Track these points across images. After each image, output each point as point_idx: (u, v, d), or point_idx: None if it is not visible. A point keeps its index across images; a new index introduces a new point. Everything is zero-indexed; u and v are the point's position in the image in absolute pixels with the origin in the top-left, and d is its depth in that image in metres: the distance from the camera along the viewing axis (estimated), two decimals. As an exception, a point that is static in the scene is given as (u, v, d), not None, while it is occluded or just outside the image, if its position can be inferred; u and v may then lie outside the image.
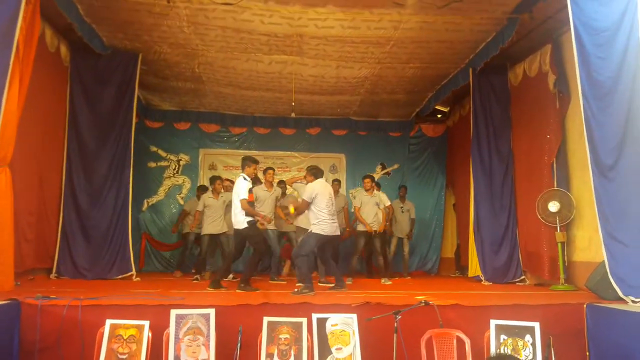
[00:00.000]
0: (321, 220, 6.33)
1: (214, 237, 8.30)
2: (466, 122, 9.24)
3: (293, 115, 9.88)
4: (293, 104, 9.46)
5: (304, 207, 6.58)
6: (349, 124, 11.47)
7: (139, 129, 8.93)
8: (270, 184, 8.14)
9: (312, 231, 6.39)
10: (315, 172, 6.66)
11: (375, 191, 8.44)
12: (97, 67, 8.01)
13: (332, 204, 6.53)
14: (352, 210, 8.87)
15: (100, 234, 7.71)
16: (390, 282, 7.92)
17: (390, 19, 6.83)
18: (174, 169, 10.92)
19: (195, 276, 8.16)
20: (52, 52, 7.27)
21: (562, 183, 7.26)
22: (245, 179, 6.60)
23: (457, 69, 8.75)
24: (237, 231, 6.66)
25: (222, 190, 8.42)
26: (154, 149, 10.82)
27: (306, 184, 6.81)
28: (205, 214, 8.34)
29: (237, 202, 6.50)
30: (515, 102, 8.47)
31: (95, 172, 7.87)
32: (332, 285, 6.65)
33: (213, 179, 8.73)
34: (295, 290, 6.14)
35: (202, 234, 8.49)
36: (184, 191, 10.91)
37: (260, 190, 7.92)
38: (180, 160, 10.97)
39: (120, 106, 8.05)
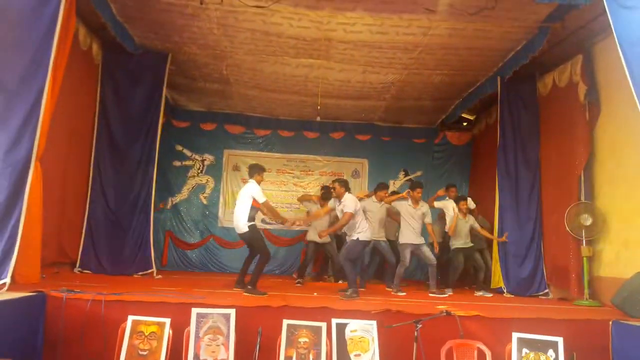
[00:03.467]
0: (365, 228, 6.78)
1: (318, 245, 8.67)
2: (492, 131, 9.12)
3: (318, 119, 9.89)
4: (319, 107, 9.47)
5: (348, 219, 6.74)
6: (373, 129, 11.43)
7: (166, 128, 9.07)
8: (380, 199, 8.15)
9: (358, 239, 6.73)
10: (345, 184, 6.99)
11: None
12: (127, 66, 8.14)
13: (361, 212, 6.96)
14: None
15: (123, 230, 7.83)
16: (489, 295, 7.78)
17: (420, 24, 6.80)
18: (199, 169, 11.01)
19: (298, 280, 8.40)
20: (84, 50, 7.42)
21: (589, 196, 7.13)
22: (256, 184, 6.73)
23: (485, 77, 8.65)
24: (241, 235, 6.71)
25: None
26: (179, 148, 10.93)
27: (335, 195, 7.12)
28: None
29: (240, 205, 6.57)
30: (544, 112, 8.33)
31: (123, 169, 8.01)
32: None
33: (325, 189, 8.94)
34: (345, 294, 6.33)
35: (307, 239, 8.87)
36: (208, 191, 10.99)
37: (371, 203, 8.08)
38: (205, 160, 11.06)
39: (149, 105, 8.17)
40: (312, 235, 8.66)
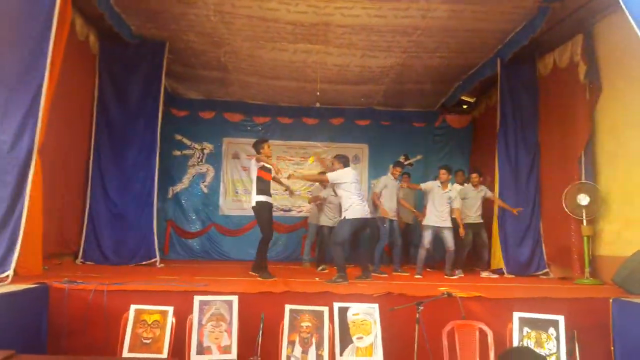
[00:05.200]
0: (352, 205, 6.45)
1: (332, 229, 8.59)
2: (492, 113, 9.09)
3: (318, 105, 9.87)
4: (318, 93, 9.44)
5: (318, 179, 7.19)
6: (372, 114, 11.41)
7: (165, 117, 8.99)
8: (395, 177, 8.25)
9: (346, 217, 6.49)
10: (344, 160, 6.82)
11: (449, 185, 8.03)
12: (125, 56, 8.09)
13: (361, 189, 6.79)
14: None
15: (126, 220, 7.84)
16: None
17: (418, 7, 6.74)
18: (198, 158, 11.01)
19: (322, 266, 8.39)
20: (81, 40, 7.37)
21: (590, 176, 7.12)
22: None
23: (485, 59, 8.60)
24: (252, 208, 6.71)
25: None
26: (178, 137, 10.92)
27: (329, 169, 7.10)
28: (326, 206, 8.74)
29: (253, 180, 6.66)
30: (544, 93, 8.30)
31: (124, 159, 8.00)
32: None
33: None
34: (332, 279, 6.21)
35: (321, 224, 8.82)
36: (208, 179, 11.00)
37: (389, 180, 8.16)
38: (204, 149, 11.05)
39: (147, 94, 8.14)
40: (325, 220, 8.68)
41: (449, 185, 7.85)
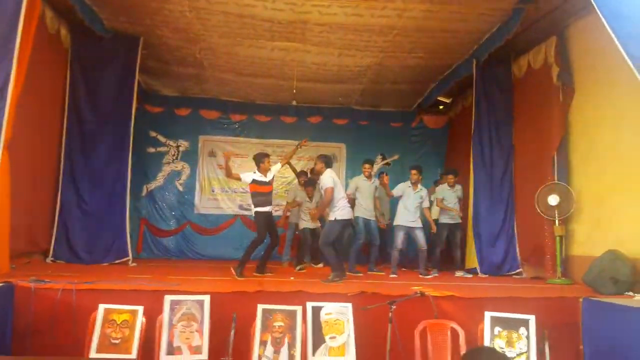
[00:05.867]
0: (342, 206, 6.61)
1: (312, 230, 8.80)
2: (468, 113, 9.15)
3: (294, 103, 9.82)
4: (294, 91, 9.39)
5: (327, 202, 6.72)
6: (350, 113, 11.42)
7: (139, 114, 8.87)
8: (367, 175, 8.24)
9: (336, 218, 6.61)
10: (327, 161, 6.99)
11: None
12: (97, 50, 7.91)
13: (342, 189, 6.95)
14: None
15: (97, 218, 7.68)
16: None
17: (395, 6, 6.73)
18: (173, 155, 10.87)
19: (300, 265, 8.34)
20: (51, 33, 7.20)
21: (563, 177, 7.21)
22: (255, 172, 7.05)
23: (461, 60, 8.66)
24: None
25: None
26: (153, 134, 10.77)
27: (315, 171, 7.24)
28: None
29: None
30: (519, 94, 8.39)
31: (95, 155, 7.82)
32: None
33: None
34: (327, 278, 6.24)
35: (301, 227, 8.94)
36: (183, 177, 10.87)
37: (360, 181, 8.14)
38: (180, 146, 10.92)
39: (120, 90, 7.98)
40: (304, 223, 8.73)
41: (419, 185, 7.90)
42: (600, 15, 4.36)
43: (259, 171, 7.01)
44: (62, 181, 7.67)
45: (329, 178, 6.72)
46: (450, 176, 8.50)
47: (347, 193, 7.81)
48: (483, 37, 7.73)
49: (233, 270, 6.47)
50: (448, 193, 8.40)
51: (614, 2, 4.50)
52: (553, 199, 6.97)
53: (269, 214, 7.05)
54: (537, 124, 7.79)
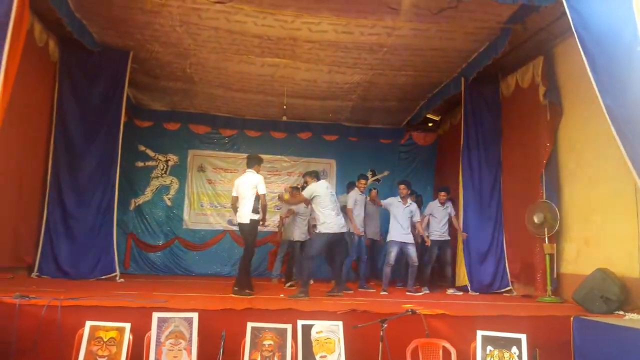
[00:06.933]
0: (327, 219, 6.53)
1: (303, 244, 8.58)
2: (457, 131, 9.23)
3: (284, 118, 9.83)
4: (285, 107, 9.40)
5: (299, 199, 7.11)
6: (340, 130, 11.45)
7: (128, 128, 8.82)
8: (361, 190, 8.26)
9: (320, 231, 6.56)
10: (316, 175, 7.07)
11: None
12: (86, 64, 7.88)
13: (336, 201, 6.83)
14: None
15: (84, 233, 7.57)
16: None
17: (384, 25, 6.80)
18: (162, 169, 10.78)
19: (290, 282, 8.24)
20: (40, 46, 7.16)
21: (552, 195, 7.26)
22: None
23: (449, 78, 8.75)
24: (240, 226, 6.60)
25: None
26: (142, 148, 10.68)
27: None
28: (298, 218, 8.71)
29: (246, 195, 6.46)
30: (507, 113, 8.48)
31: (82, 170, 7.74)
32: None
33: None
34: (291, 294, 6.16)
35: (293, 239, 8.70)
36: (172, 192, 10.78)
37: (357, 196, 8.11)
38: (169, 160, 10.84)
39: (109, 104, 7.93)
40: (297, 235, 8.59)
41: (408, 200, 7.91)
42: (578, 43, 4.60)
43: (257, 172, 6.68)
44: (49, 195, 7.56)
45: (311, 186, 6.74)
46: (443, 193, 8.47)
47: (347, 208, 7.82)
48: (471, 56, 7.83)
49: (236, 294, 6.16)
50: (438, 210, 8.40)
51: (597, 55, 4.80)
52: (536, 218, 7.02)
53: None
54: (525, 143, 7.86)
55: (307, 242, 7.51)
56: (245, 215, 6.45)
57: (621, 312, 5.34)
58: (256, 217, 6.47)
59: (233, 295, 6.09)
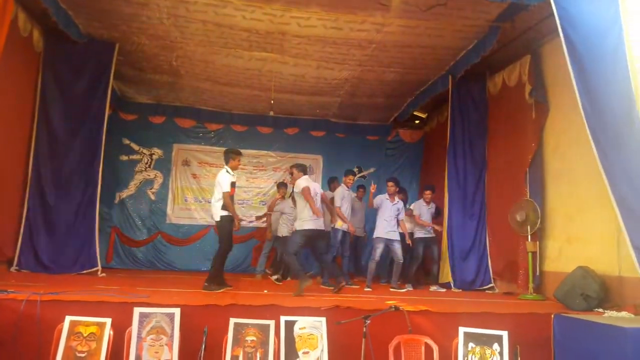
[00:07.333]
0: (304, 217, 6.56)
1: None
2: (443, 129, 9.26)
3: (272, 113, 9.76)
4: (272, 102, 9.35)
5: (308, 192, 6.64)
6: (327, 126, 11.43)
7: (112, 121, 8.71)
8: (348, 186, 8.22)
9: (297, 228, 6.60)
10: (302, 168, 7.00)
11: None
12: (71, 55, 7.75)
13: (319, 201, 6.84)
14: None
15: (65, 226, 7.47)
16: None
17: (373, 21, 6.79)
18: (146, 163, 10.67)
19: (276, 276, 8.26)
20: (24, 36, 7.02)
21: (536, 193, 7.31)
22: (228, 172, 6.52)
23: (437, 76, 8.76)
24: (216, 223, 6.57)
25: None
26: (126, 141, 10.56)
27: (292, 180, 7.22)
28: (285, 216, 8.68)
29: (217, 194, 6.42)
30: (493, 111, 8.52)
31: (64, 163, 7.62)
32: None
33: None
34: (296, 291, 6.11)
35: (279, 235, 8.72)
36: (156, 186, 10.67)
37: (345, 192, 8.06)
38: (153, 154, 10.72)
39: (93, 96, 7.82)
40: (282, 230, 8.59)
41: (396, 197, 7.91)
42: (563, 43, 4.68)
43: (230, 169, 6.58)
44: (29, 188, 7.43)
45: (303, 181, 6.71)
46: (428, 192, 8.50)
47: (336, 206, 7.81)
48: (459, 54, 7.84)
49: (206, 290, 6.10)
50: (424, 209, 8.42)
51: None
52: (519, 216, 7.08)
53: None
54: (510, 141, 7.91)
55: (288, 240, 7.48)
56: (216, 212, 6.45)
57: (601, 310, 5.41)
58: (226, 213, 6.38)
59: (202, 291, 6.06)
